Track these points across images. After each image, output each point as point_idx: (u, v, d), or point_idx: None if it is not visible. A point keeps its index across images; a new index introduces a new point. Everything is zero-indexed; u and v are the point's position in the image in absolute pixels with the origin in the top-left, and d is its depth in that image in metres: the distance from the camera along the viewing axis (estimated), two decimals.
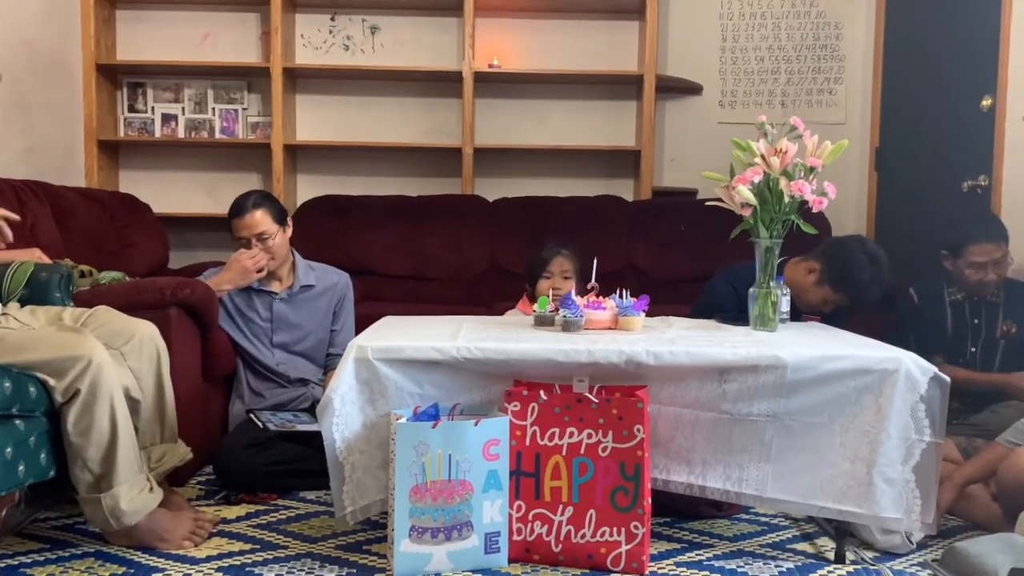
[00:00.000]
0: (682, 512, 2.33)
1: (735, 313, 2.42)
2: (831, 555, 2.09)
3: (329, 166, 4.31)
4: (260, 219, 2.75)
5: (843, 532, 2.08)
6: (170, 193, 4.22)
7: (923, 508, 1.95)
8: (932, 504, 1.95)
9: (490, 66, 4.09)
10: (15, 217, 2.10)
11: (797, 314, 2.54)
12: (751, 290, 2.30)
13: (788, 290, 2.38)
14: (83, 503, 1.96)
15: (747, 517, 2.36)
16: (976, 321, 2.83)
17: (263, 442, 2.48)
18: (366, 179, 4.27)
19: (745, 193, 2.19)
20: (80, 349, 1.89)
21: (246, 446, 2.45)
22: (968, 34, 3.34)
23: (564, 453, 1.98)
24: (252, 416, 2.61)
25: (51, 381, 1.87)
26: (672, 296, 3.32)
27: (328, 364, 2.89)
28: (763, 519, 2.35)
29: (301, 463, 2.50)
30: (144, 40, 4.17)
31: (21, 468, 1.82)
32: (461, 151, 4.09)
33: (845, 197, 4.24)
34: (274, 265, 2.80)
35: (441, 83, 4.20)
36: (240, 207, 2.78)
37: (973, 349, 2.82)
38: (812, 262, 2.55)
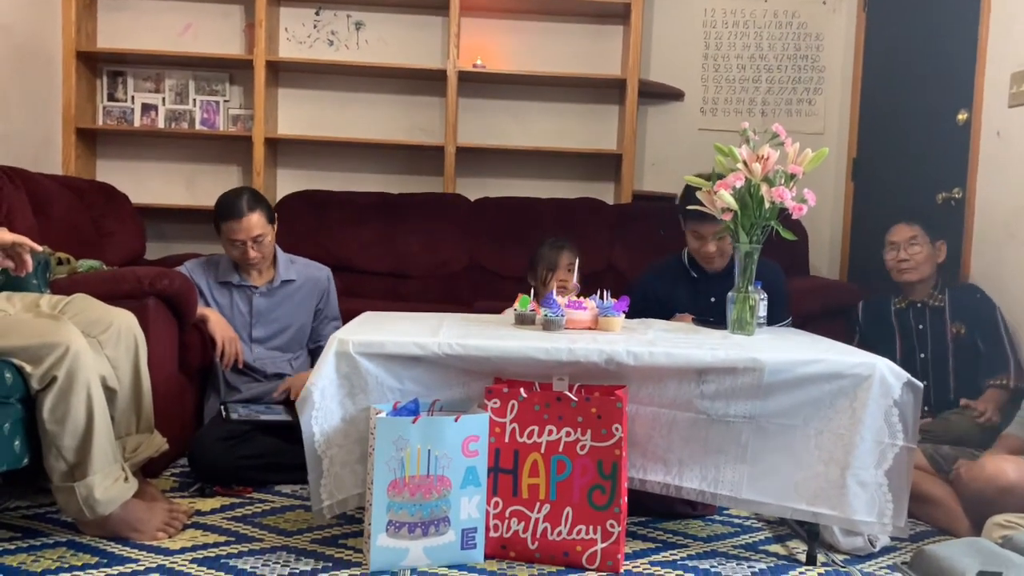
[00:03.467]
0: (657, 511, 2.35)
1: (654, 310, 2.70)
2: (803, 557, 2.12)
3: (310, 161, 4.29)
4: (257, 222, 2.70)
5: (814, 534, 2.11)
6: (148, 184, 4.17)
7: (895, 512, 1.98)
8: (904, 508, 1.99)
9: (474, 66, 4.09)
10: (37, 247, 2.01)
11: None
12: (729, 294, 2.33)
13: (765, 295, 2.41)
14: (56, 492, 1.94)
15: (720, 518, 2.39)
16: (920, 327, 2.90)
17: (239, 435, 2.47)
18: (347, 175, 4.26)
19: (727, 198, 2.22)
20: (58, 336, 1.87)
21: (221, 439, 2.44)
22: (946, 49, 3.40)
23: (543, 451, 1.99)
24: (221, 407, 2.59)
25: (27, 368, 1.85)
26: None
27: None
28: (736, 520, 2.38)
29: (277, 457, 2.49)
30: (126, 29, 4.13)
31: None
32: (443, 150, 4.08)
33: (822, 206, 4.22)
34: (264, 263, 2.80)
35: (425, 81, 4.20)
36: (236, 209, 2.69)
37: (923, 355, 2.89)
38: None
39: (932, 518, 2.38)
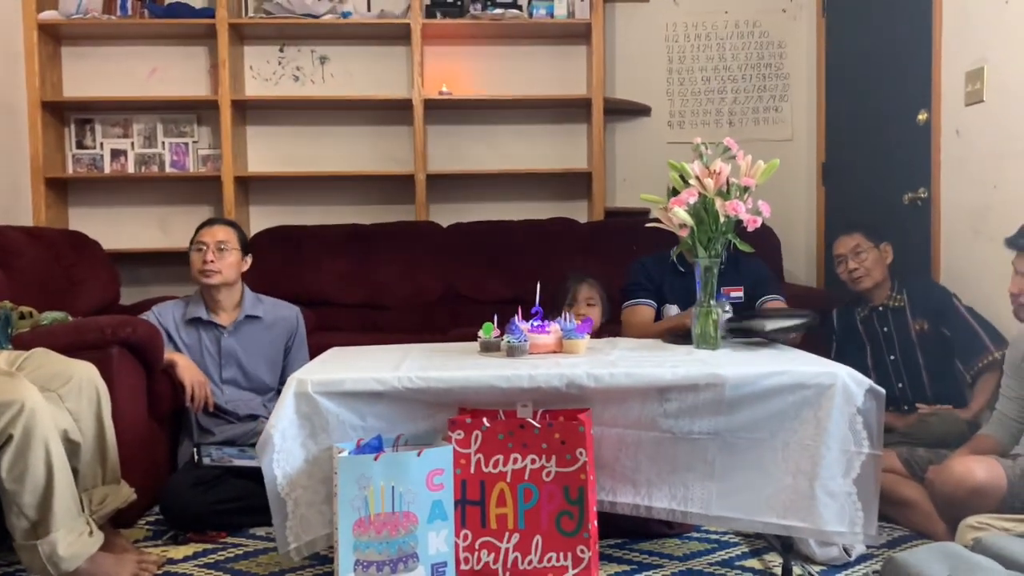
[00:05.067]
0: (632, 532, 2.33)
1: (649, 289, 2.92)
2: (779, 570, 2.11)
3: (282, 197, 4.30)
4: (226, 232, 2.81)
5: (789, 547, 2.10)
6: (121, 229, 4.17)
7: (865, 520, 1.97)
8: (874, 515, 1.97)
9: (440, 93, 4.11)
10: None
11: None
12: (692, 309, 2.33)
13: (730, 308, 2.40)
14: (20, 550, 1.93)
15: (697, 535, 2.37)
16: (885, 329, 2.91)
17: (210, 480, 2.46)
18: (320, 208, 4.27)
19: (681, 214, 2.22)
20: (12, 394, 1.86)
21: (192, 485, 2.42)
22: (903, 51, 3.42)
23: (509, 480, 1.98)
24: (194, 450, 2.58)
25: None
26: None
27: None
28: (713, 537, 2.37)
29: (251, 500, 2.46)
30: (91, 76, 4.15)
31: None
32: (414, 178, 4.10)
33: (794, 211, 4.31)
34: (219, 279, 2.77)
35: (392, 111, 4.22)
36: (211, 220, 2.89)
37: (892, 357, 2.89)
38: None
39: (909, 522, 2.38)
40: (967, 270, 3.01)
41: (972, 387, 2.78)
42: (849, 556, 2.13)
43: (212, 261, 2.74)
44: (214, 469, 2.49)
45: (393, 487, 1.90)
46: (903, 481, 2.41)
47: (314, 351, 2.89)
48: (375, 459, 1.89)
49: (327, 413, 1.96)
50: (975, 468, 2.06)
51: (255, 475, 2.47)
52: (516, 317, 2.32)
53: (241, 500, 2.46)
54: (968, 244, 3.02)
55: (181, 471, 2.57)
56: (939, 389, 2.81)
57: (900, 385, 2.83)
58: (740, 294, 2.78)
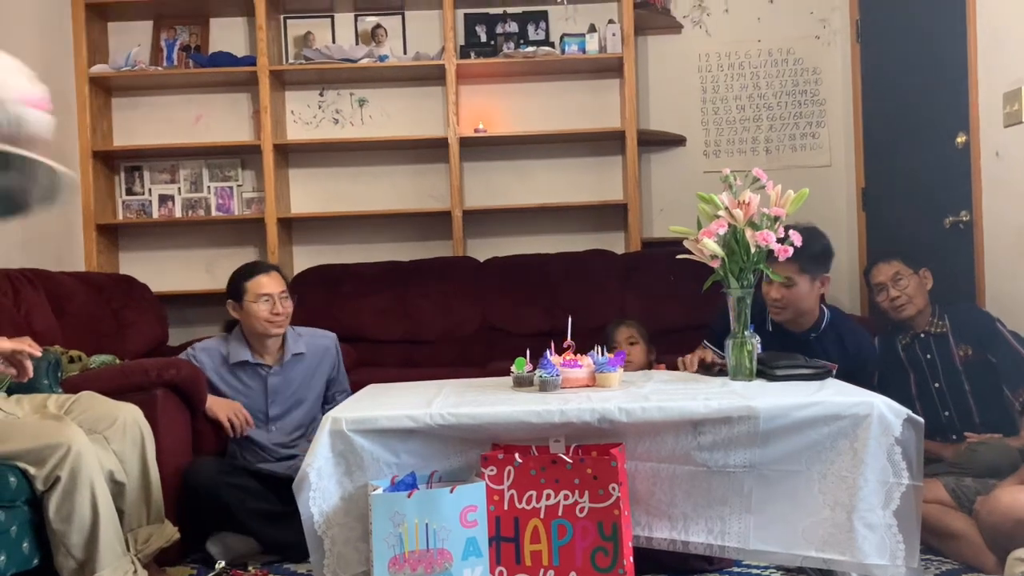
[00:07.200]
0: (672, 567, 2.31)
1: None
2: None
3: (324, 236, 4.39)
4: (281, 280, 2.86)
5: None
6: (170, 272, 4.29)
7: (907, 553, 1.92)
8: (916, 548, 1.93)
9: (476, 131, 4.17)
10: (37, 352, 2.10)
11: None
12: (727, 341, 2.32)
13: (758, 337, 2.36)
14: None
15: (738, 570, 2.34)
16: (928, 356, 2.83)
17: (235, 472, 2.62)
18: (360, 247, 4.34)
19: (711, 246, 2.22)
20: (59, 437, 1.93)
21: (219, 471, 2.57)
22: (938, 73, 3.38)
23: (542, 516, 1.98)
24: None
25: (31, 470, 1.91)
26: (666, 346, 3.32)
27: None
28: (754, 572, 2.33)
29: (265, 503, 2.58)
30: (139, 125, 4.30)
31: (2, 558, 1.85)
32: (451, 214, 4.15)
33: (836, 238, 4.16)
34: (285, 328, 2.85)
35: (429, 150, 4.29)
36: (261, 267, 2.88)
37: (936, 385, 2.80)
38: None
39: (958, 554, 2.31)
40: (1013, 292, 2.94)
41: (1022, 414, 2.70)
42: None
43: (281, 313, 2.80)
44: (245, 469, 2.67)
45: (427, 524, 1.92)
46: (951, 512, 2.34)
47: (354, 387, 2.94)
48: (408, 496, 1.91)
49: (362, 450, 1.99)
50: (1023, 498, 2.01)
51: (281, 491, 2.55)
52: (548, 351, 2.33)
53: (257, 499, 2.57)
54: (1013, 266, 2.95)
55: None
56: (987, 417, 2.73)
57: (947, 413, 2.76)
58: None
